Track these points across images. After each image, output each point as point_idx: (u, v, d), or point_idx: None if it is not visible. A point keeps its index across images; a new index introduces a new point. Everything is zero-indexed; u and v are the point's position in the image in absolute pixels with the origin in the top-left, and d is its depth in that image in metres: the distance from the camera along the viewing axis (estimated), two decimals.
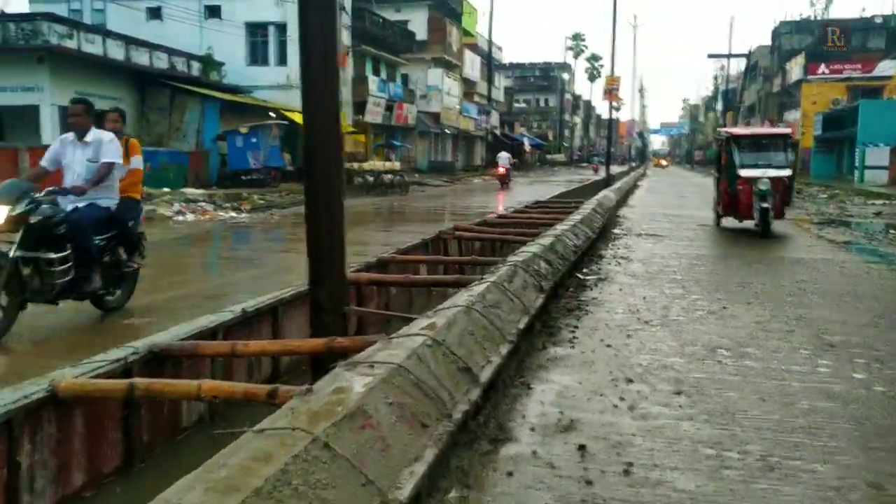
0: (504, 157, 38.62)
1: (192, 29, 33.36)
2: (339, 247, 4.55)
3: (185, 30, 33.02)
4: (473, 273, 7.64)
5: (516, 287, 5.32)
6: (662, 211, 19.66)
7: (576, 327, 5.71)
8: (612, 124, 31.92)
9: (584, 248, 9.31)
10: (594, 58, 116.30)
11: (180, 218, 17.96)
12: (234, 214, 18.77)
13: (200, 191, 22.63)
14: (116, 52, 25.27)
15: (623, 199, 23.67)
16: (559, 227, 9.79)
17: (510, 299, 4.95)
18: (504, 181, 36.01)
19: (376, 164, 33.98)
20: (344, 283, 4.73)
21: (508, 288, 5.08)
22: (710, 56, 78.86)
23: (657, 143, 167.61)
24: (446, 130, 55.21)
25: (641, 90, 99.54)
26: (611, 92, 29.33)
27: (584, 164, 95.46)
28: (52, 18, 22.29)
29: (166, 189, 22.72)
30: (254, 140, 26.25)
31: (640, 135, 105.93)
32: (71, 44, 22.93)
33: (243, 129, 26.27)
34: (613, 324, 5.89)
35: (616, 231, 13.93)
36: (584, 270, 8.79)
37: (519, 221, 12.38)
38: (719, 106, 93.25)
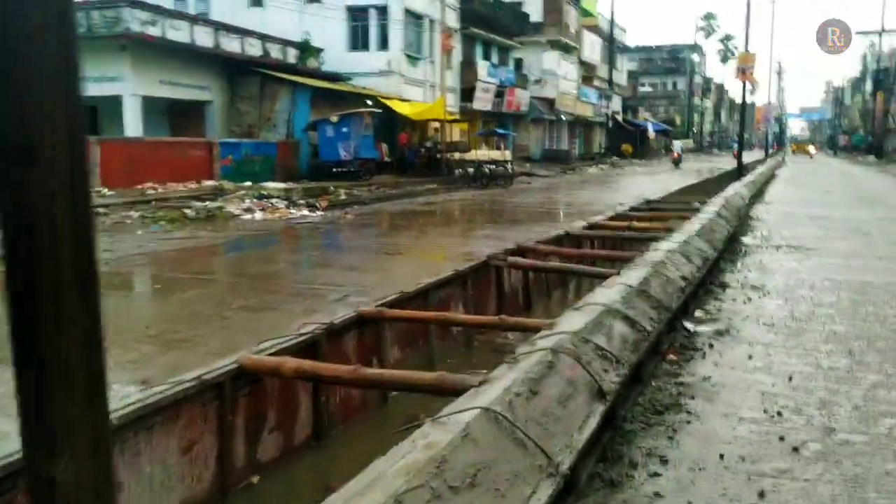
0: (677, 144, 51.36)
1: (292, 15, 32.04)
2: (95, 377, 2.19)
3: (286, 16, 31.74)
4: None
5: (543, 408, 2.81)
6: (805, 210, 16.29)
7: (662, 463, 3.17)
8: (744, 107, 28.09)
9: (698, 279, 6.62)
10: (727, 38, 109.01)
11: (247, 217, 16.30)
12: (306, 213, 16.95)
13: (282, 185, 21.03)
14: (205, 39, 24.09)
15: (758, 194, 20.26)
16: (664, 247, 7.13)
17: (519, 444, 2.50)
18: (677, 162, 46.02)
19: (480, 153, 31.64)
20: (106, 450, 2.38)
21: (518, 423, 2.58)
22: (859, 33, 71.20)
23: (796, 128, 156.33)
24: (562, 117, 52.08)
25: (779, 72, 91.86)
26: (744, 71, 25.63)
27: (715, 151, 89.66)
28: (134, 4, 21.23)
29: (248, 183, 21.32)
30: (344, 130, 24.49)
31: (778, 119, 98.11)
32: (154, 31, 21.86)
33: (333, 118, 24.55)
34: (733, 454, 3.30)
35: (747, 241, 10.98)
36: (697, 314, 6.13)
37: (609, 236, 9.71)
38: (868, 87, 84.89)
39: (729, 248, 9.81)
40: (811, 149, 65.81)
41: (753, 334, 5.54)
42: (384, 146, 29.71)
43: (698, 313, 6.19)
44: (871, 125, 74.85)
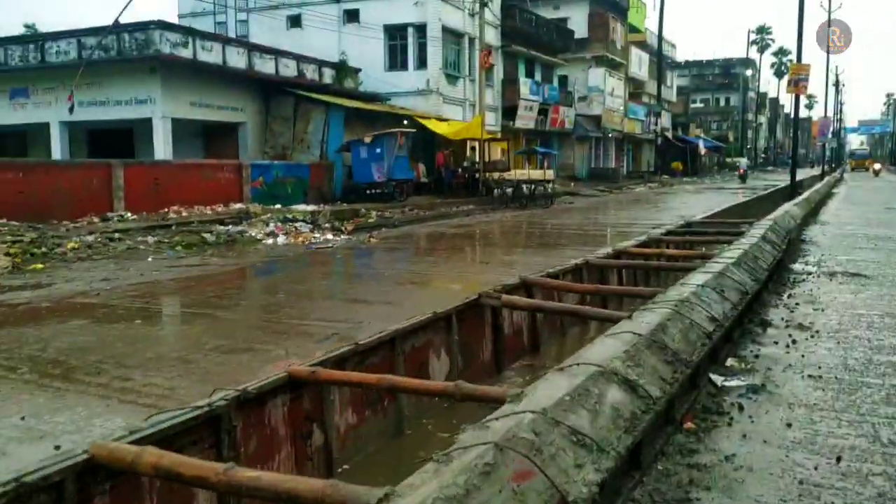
0: (743, 161, 60.92)
1: (331, 35, 31.85)
2: None
3: (325, 37, 31.54)
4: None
5: None
6: (865, 230, 15.02)
7: None
8: (797, 121, 26.69)
9: (732, 319, 5.65)
10: (782, 52, 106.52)
11: (269, 241, 15.73)
12: (330, 236, 16.30)
13: (311, 207, 20.47)
14: (237, 60, 23.82)
15: (812, 213, 18.97)
16: (694, 280, 6.18)
17: None
18: (743, 178, 49.49)
19: (520, 173, 30.75)
20: None
21: None
22: None
23: (855, 142, 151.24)
24: (609, 134, 50.90)
25: (837, 84, 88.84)
26: (797, 83, 24.27)
27: (770, 168, 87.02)
28: (164, 26, 21.05)
29: (278, 206, 20.84)
30: (378, 151, 23.89)
31: (836, 134, 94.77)
32: (185, 52, 21.63)
33: (367, 139, 23.98)
34: None
35: (797, 267, 9.90)
36: (729, 363, 5.17)
37: (636, 265, 8.74)
38: None
39: (775, 278, 8.77)
40: (876, 165, 57.96)
41: (795, 391, 4.57)
42: (421, 167, 29.06)
43: (730, 361, 5.23)
44: None
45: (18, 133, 25.46)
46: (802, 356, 5.41)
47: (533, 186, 27.17)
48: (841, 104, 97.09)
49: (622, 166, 55.52)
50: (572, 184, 41.09)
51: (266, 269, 11.65)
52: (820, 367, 5.09)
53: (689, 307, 5.09)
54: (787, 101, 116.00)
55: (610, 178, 48.08)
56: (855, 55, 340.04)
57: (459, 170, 29.25)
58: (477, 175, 28.89)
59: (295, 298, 8.85)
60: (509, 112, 38.66)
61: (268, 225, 17.15)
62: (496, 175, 29.22)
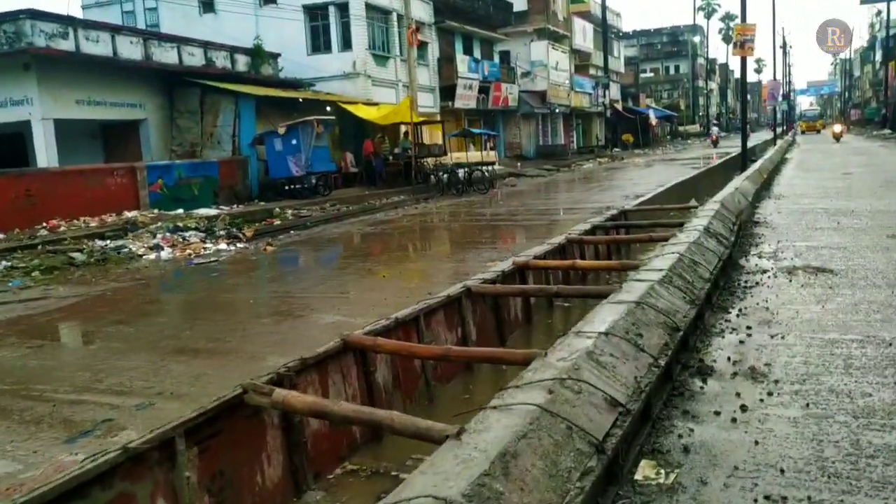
0: (715, 129, 62.17)
1: (247, 20, 29.39)
2: None
3: (241, 21, 29.14)
4: None
5: None
6: (824, 204, 13.32)
7: None
8: (745, 84, 25.00)
9: (648, 385, 3.76)
10: (728, 17, 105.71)
11: (151, 256, 13.58)
12: (223, 246, 14.18)
13: (214, 211, 18.29)
14: (131, 50, 21.37)
15: (765, 186, 17.32)
16: (597, 325, 4.28)
17: None
18: (716, 143, 51.71)
19: (459, 156, 28.78)
20: None
21: None
22: (864, 2, 67.43)
23: (804, 104, 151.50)
24: (556, 110, 49.09)
25: (784, 46, 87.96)
26: (743, 45, 22.58)
27: (723, 134, 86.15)
28: (37, 16, 18.52)
29: (180, 210, 18.59)
30: (293, 142, 21.68)
31: (786, 97, 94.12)
32: (65, 45, 19.15)
33: (280, 130, 21.75)
34: None
35: (750, 264, 8.08)
36: (642, 471, 3.27)
37: (531, 292, 6.80)
38: (878, 57, 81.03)
39: (722, 284, 6.93)
40: (837, 127, 48.52)
41: None
42: (349, 156, 26.94)
43: (644, 468, 3.32)
44: (883, 96, 71.16)
45: None
46: (756, 443, 3.53)
47: (470, 171, 25.17)
48: (789, 66, 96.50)
49: (572, 142, 53.84)
50: (519, 164, 39.23)
51: (104, 301, 9.50)
52: (783, 472, 3.21)
53: (570, 395, 3.16)
54: (736, 66, 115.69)
55: (559, 155, 46.37)
56: (800, 16, 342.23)
57: (390, 157, 27.13)
58: (411, 162, 26.80)
59: (104, 352, 6.77)
60: (448, 92, 36.57)
61: (154, 237, 14.96)
62: (431, 161, 27.22)
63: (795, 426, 3.72)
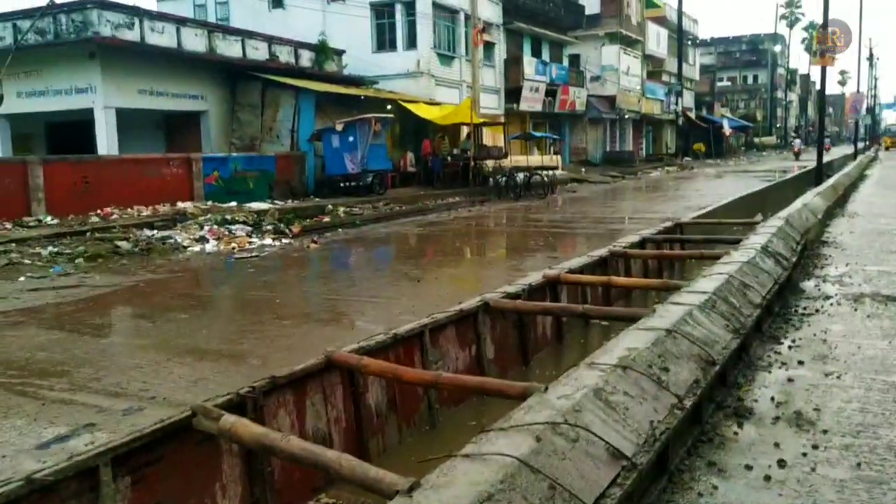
0: (797, 142, 59.54)
1: (315, 16, 29.40)
2: None
3: (308, 17, 29.16)
4: None
5: None
6: None
7: None
8: (823, 95, 23.72)
9: (666, 433, 3.22)
10: (812, 26, 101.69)
11: (195, 248, 13.49)
12: (268, 241, 14.00)
13: (266, 206, 18.19)
14: (196, 42, 21.53)
15: (840, 202, 16.27)
16: (610, 358, 3.75)
17: None
18: (798, 155, 50.96)
19: (519, 159, 28.21)
20: None
21: None
22: None
23: (891, 118, 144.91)
24: (625, 116, 47.94)
25: (871, 58, 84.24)
26: (824, 53, 21.42)
27: (803, 147, 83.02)
28: (103, 6, 18.75)
29: (234, 203, 18.58)
30: (350, 139, 21.48)
31: (871, 111, 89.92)
32: (130, 35, 19.37)
33: (338, 126, 21.59)
34: None
35: (810, 286, 7.37)
36: None
37: (555, 311, 6.18)
38: None
39: (776, 309, 6.28)
40: None
41: None
42: (409, 156, 26.65)
43: None
44: None
45: None
46: None
47: (529, 175, 24.56)
48: (875, 79, 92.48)
49: (640, 149, 52.57)
50: (583, 169, 38.40)
51: (134, 293, 9.32)
52: None
53: (563, 443, 2.66)
54: (818, 77, 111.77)
55: (626, 163, 45.20)
56: (889, 27, 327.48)
57: (449, 158, 26.72)
58: (473, 163, 26.31)
59: (114, 347, 6.52)
60: (513, 94, 36.01)
61: (201, 228, 14.89)
62: (490, 163, 26.71)
63: (841, 492, 3.13)
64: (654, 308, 4.69)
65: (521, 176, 24.45)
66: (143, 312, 8.23)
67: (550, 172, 26.53)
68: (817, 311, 6.45)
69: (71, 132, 21.64)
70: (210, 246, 13.74)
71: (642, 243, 8.79)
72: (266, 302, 8.45)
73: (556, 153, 36.66)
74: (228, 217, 15.69)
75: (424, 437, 4.53)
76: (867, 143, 71.27)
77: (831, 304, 6.68)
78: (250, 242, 13.96)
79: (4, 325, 7.59)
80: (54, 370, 5.88)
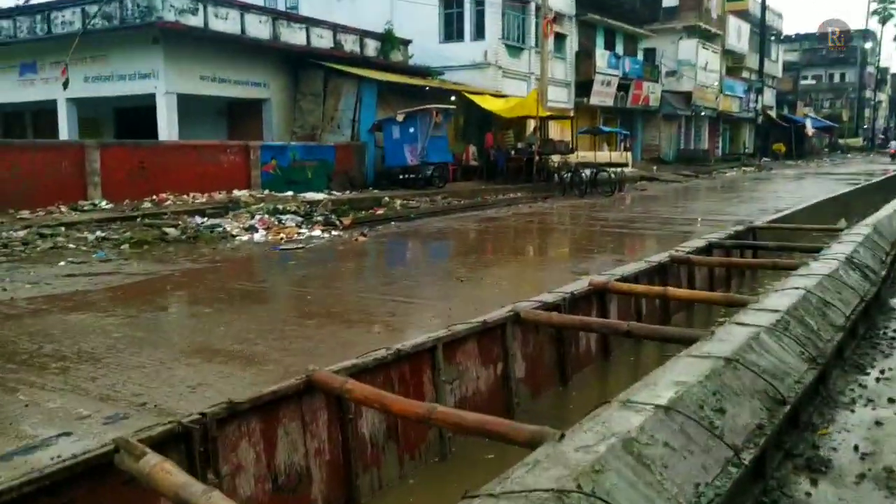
0: (894, 143, 56.92)
1: (382, 4, 29.02)
2: None
3: (376, 6, 28.79)
4: None
5: None
6: None
7: None
8: None
9: (731, 477, 2.52)
10: None
11: (244, 238, 13.17)
12: (317, 232, 13.58)
13: (322, 196, 17.82)
14: (259, 29, 21.33)
15: None
16: (660, 393, 3.05)
17: None
18: (894, 157, 49.11)
19: (587, 155, 27.24)
20: None
21: None
22: None
23: None
24: (701, 113, 46.19)
25: None
26: None
27: (887, 149, 79.06)
28: None
29: (290, 193, 18.28)
30: (411, 130, 20.97)
31: None
32: (193, 20, 19.25)
33: (399, 117, 21.10)
34: None
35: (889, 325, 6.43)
36: None
37: (596, 327, 5.32)
38: None
39: (861, 332, 5.42)
40: None
41: None
42: (472, 149, 26.00)
43: None
44: None
45: (31, 111, 23.98)
46: None
47: (595, 171, 23.62)
48: None
49: (716, 148, 50.65)
50: (655, 167, 37.04)
51: (168, 282, 8.95)
52: None
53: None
54: None
55: (700, 161, 43.53)
56: None
57: (513, 152, 25.94)
58: (538, 157, 25.46)
59: (122, 344, 6.08)
60: (584, 88, 34.97)
61: (252, 217, 14.59)
62: (556, 158, 25.85)
63: None
64: (712, 330, 3.93)
65: (587, 172, 23.50)
66: (167, 304, 7.84)
67: (619, 170, 25.47)
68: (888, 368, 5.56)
69: (137, 118, 21.75)
70: (259, 236, 13.39)
71: (709, 248, 7.93)
72: (296, 298, 7.95)
73: (626, 150, 35.47)
74: (280, 207, 15.36)
75: (432, 472, 3.90)
76: None
77: None
78: (299, 233, 13.55)
79: (25, 312, 7.30)
80: (55, 366, 5.49)
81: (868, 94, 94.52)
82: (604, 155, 28.38)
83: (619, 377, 5.51)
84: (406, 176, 21.41)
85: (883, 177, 29.54)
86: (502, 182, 24.68)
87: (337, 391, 3.26)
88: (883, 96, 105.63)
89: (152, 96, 19.77)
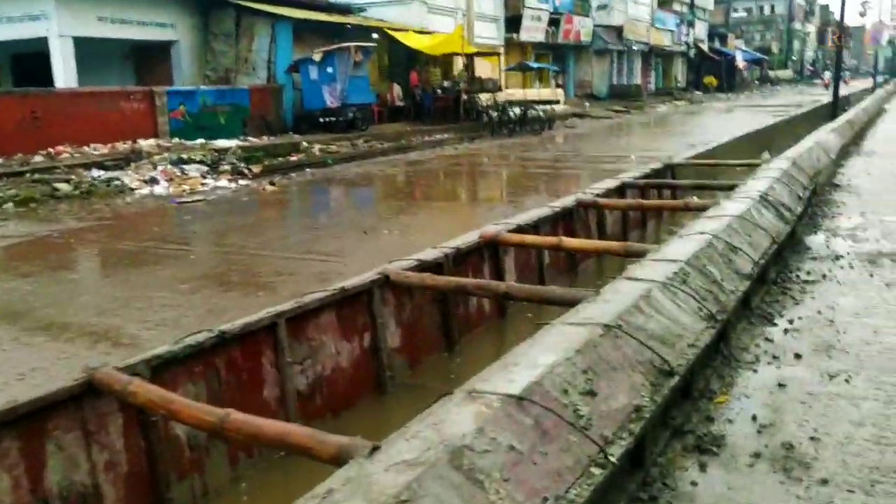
0: (827, 73, 55.77)
1: None
2: None
3: None
4: None
5: None
6: None
7: None
8: (843, 18, 21.97)
9: (594, 482, 2.05)
10: None
11: (145, 191, 12.28)
12: (224, 183, 12.76)
13: (233, 143, 16.84)
14: None
15: (856, 139, 14.84)
16: (519, 377, 2.53)
17: None
18: (828, 87, 43.57)
19: (516, 93, 26.60)
20: None
21: None
22: None
23: None
24: (633, 47, 45.74)
25: None
26: None
27: (817, 81, 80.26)
28: None
29: (201, 140, 17.22)
30: (329, 70, 19.97)
31: (891, 42, 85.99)
32: None
33: (316, 56, 20.05)
34: None
35: (817, 243, 6.11)
36: None
37: (477, 290, 4.80)
38: None
39: (774, 273, 5.04)
40: None
41: None
42: (397, 88, 25.06)
43: None
44: None
45: None
46: None
47: (524, 110, 23.03)
48: None
49: (649, 83, 50.39)
50: (587, 104, 36.61)
51: (40, 246, 8.10)
52: None
53: None
54: (837, 7, 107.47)
55: (633, 97, 43.19)
56: None
57: (439, 91, 25.12)
58: (465, 96, 24.69)
59: None
60: (514, 23, 34.04)
61: (154, 168, 13.64)
62: (485, 96, 25.12)
63: None
64: (598, 290, 3.44)
65: (516, 110, 22.89)
66: (31, 271, 7.05)
67: (549, 107, 24.92)
68: (824, 276, 5.21)
69: (35, 64, 20.15)
70: (160, 188, 12.53)
71: (622, 189, 7.47)
72: (176, 259, 7.24)
73: (558, 86, 34.95)
74: (185, 156, 14.39)
75: (276, 469, 3.35)
76: (887, 76, 68.48)
77: (842, 268, 5.44)
78: (203, 184, 12.74)
79: None
80: None
81: (797, 25, 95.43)
82: (532, 92, 27.74)
83: (519, 336, 5.02)
84: (326, 119, 20.47)
85: (811, 107, 29.69)
86: (430, 123, 23.90)
87: (119, 394, 2.67)
88: (811, 28, 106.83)
89: (39, 41, 18.29)
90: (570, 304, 3.44)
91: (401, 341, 4.28)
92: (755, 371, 3.59)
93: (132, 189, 12.46)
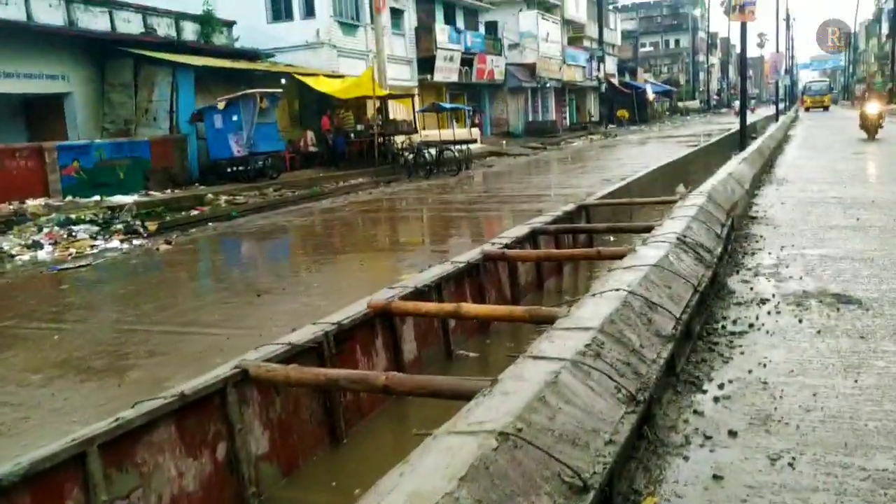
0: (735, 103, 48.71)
1: None
2: None
3: None
4: None
5: None
6: (837, 191, 10.91)
7: None
8: (744, 51, 22.45)
9: None
10: None
11: (26, 256, 11.21)
12: (115, 244, 11.79)
13: (131, 199, 15.84)
14: (50, 14, 18.85)
15: (766, 167, 14.92)
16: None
17: None
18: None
19: (431, 134, 26.27)
20: None
21: None
22: None
23: (807, 79, 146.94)
24: (546, 84, 46.35)
25: (787, 18, 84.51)
26: (743, 8, 20.01)
27: (724, 111, 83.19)
28: None
29: (97, 197, 16.16)
30: (234, 118, 19.20)
31: (789, 71, 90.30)
32: None
33: (220, 105, 19.26)
34: None
35: (740, 289, 5.70)
36: None
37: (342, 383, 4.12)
38: (884, 30, 77.76)
39: (696, 331, 4.56)
40: (871, 108, 22.17)
41: None
42: (310, 134, 24.43)
43: None
44: (889, 70, 68.25)
45: None
46: None
47: (439, 151, 22.67)
48: (792, 40, 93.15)
49: (564, 118, 51.13)
50: (504, 142, 36.68)
51: None
52: None
53: None
54: (738, 40, 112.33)
55: (549, 132, 43.64)
56: None
57: (352, 135, 24.59)
58: (381, 139, 24.19)
59: None
60: (427, 64, 33.96)
61: (39, 231, 12.57)
62: (400, 139, 24.70)
63: None
64: (493, 381, 2.82)
65: (431, 152, 22.51)
66: None
67: (465, 147, 24.64)
68: (751, 325, 4.77)
69: None
70: (44, 253, 11.49)
71: (533, 235, 6.97)
72: (36, 341, 6.33)
73: (474, 126, 34.86)
74: (74, 216, 13.36)
75: None
76: (786, 104, 71.39)
77: (769, 313, 5.02)
78: (93, 246, 11.73)
79: None
80: None
81: (701, 58, 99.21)
82: (449, 133, 27.47)
83: (420, 416, 4.37)
84: (234, 168, 19.65)
85: (720, 136, 30.32)
86: (345, 167, 23.32)
87: None
88: (714, 59, 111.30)
89: None
90: (464, 396, 2.83)
91: (269, 445, 3.57)
92: (685, 458, 3.04)
93: (12, 256, 11.38)
